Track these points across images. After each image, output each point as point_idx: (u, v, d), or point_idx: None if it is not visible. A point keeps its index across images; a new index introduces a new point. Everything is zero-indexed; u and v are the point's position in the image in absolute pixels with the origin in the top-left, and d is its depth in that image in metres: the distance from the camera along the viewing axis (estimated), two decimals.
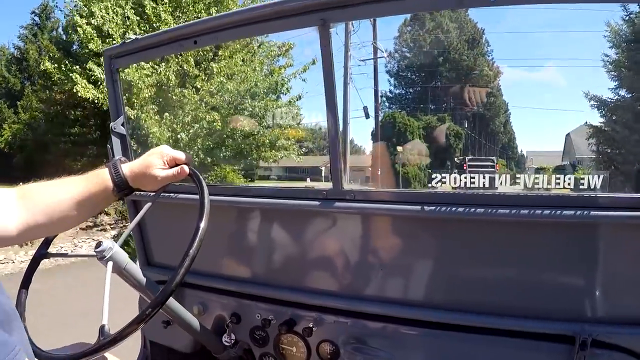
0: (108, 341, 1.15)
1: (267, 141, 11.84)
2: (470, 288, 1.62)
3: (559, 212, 1.40)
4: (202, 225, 1.27)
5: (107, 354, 1.53)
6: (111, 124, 2.10)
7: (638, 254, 1.41)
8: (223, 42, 2.38)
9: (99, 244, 1.34)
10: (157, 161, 1.42)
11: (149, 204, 1.46)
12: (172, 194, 1.99)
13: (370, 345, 1.73)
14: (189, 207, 1.29)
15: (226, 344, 1.94)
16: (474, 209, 1.49)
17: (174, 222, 2.06)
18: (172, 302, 1.74)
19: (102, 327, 1.17)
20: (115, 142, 2.09)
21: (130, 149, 2.13)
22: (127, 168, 1.41)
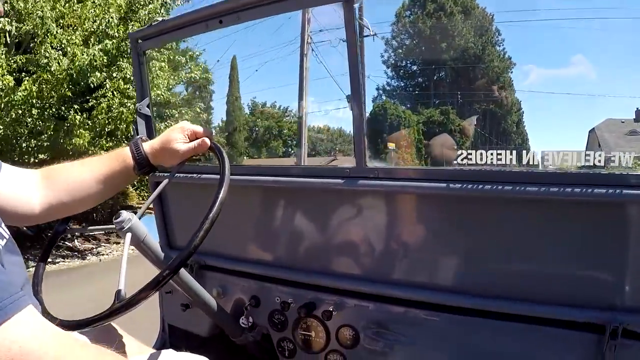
0: (122, 304, 1.14)
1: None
2: (497, 272, 1.57)
3: (590, 190, 1.34)
4: (222, 194, 1.26)
5: (124, 335, 1.54)
6: (137, 105, 2.16)
7: None
8: (247, 21, 2.42)
9: (117, 215, 1.35)
10: (178, 135, 1.45)
11: (168, 178, 1.48)
12: (195, 175, 2.01)
13: (391, 331, 1.69)
14: (211, 187, 1.30)
15: (243, 326, 1.94)
16: (501, 187, 1.44)
17: (197, 203, 2.05)
18: (192, 282, 1.75)
19: (117, 292, 1.18)
20: (140, 123, 2.13)
21: (154, 130, 2.17)
22: (148, 145, 1.46)
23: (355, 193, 1.72)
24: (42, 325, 0.83)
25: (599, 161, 1.50)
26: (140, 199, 14.32)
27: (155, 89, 8.40)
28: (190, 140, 1.45)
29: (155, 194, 1.56)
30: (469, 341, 1.59)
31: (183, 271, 1.68)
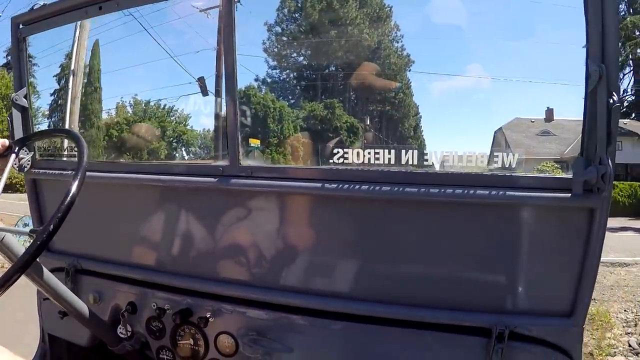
0: None
1: None
2: (378, 276, 1.54)
3: (472, 191, 1.35)
4: (74, 189, 1.23)
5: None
6: (13, 95, 2.01)
7: (556, 239, 1.38)
8: (126, 8, 2.32)
9: None
10: None
11: None
12: (71, 172, 1.86)
13: (269, 338, 1.64)
14: (92, 185, 1.23)
15: (121, 335, 1.84)
16: (379, 187, 1.43)
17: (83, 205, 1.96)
18: (60, 287, 1.64)
19: None
20: (16, 115, 2.00)
21: (31, 122, 2.04)
22: None
23: (230, 193, 1.66)
24: None
25: (482, 162, 1.42)
26: None
27: None
28: None
29: None
30: (351, 348, 1.56)
31: (51, 276, 1.56)
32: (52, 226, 1.14)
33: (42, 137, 1.99)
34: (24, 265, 1.13)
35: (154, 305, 1.80)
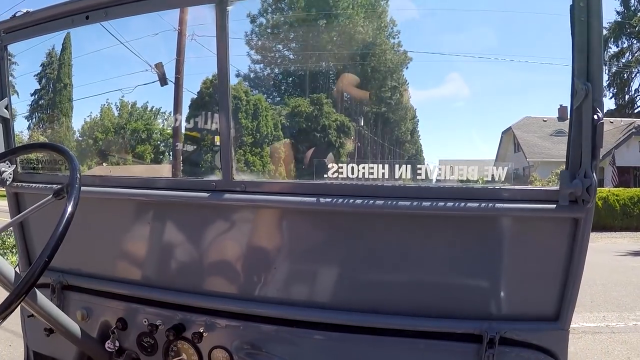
0: None
1: None
2: (373, 287, 1.60)
3: (463, 204, 1.41)
4: (70, 208, 1.25)
5: None
6: None
7: (542, 248, 1.46)
8: (114, 19, 2.23)
9: None
10: None
11: None
12: (55, 185, 1.82)
13: (264, 351, 1.67)
14: (80, 200, 1.27)
15: (109, 350, 1.84)
16: (372, 201, 1.48)
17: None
18: (47, 305, 1.62)
19: None
20: None
21: (12, 133, 2.03)
22: None
23: (223, 207, 1.69)
24: None
25: (472, 175, 1.47)
26: None
27: None
28: None
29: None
30: (346, 358, 1.60)
31: (38, 294, 1.55)
32: (48, 252, 1.13)
33: (26, 152, 1.93)
34: (26, 290, 1.12)
35: (145, 321, 1.80)
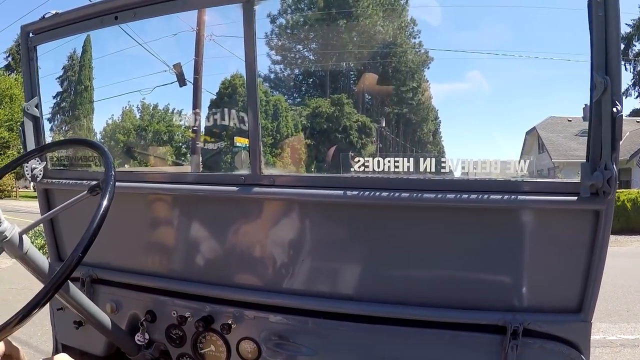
0: None
1: None
2: (398, 279, 1.64)
3: (486, 196, 1.45)
4: (105, 202, 1.24)
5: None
6: (24, 104, 2.06)
7: (564, 240, 1.49)
8: (143, 19, 2.30)
9: None
10: None
11: None
12: (85, 182, 1.96)
13: (292, 342, 1.72)
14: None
15: (139, 343, 1.90)
16: (398, 194, 1.53)
17: (89, 214, 1.97)
18: (81, 297, 1.68)
19: None
20: (28, 124, 2.05)
21: (42, 132, 2.10)
22: None
23: (252, 201, 1.74)
24: None
25: (495, 168, 1.51)
26: None
27: None
28: None
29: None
30: (373, 349, 1.65)
31: (71, 286, 1.60)
32: (83, 247, 1.12)
33: (61, 148, 2.00)
34: (58, 284, 1.11)
35: (174, 313, 1.86)
